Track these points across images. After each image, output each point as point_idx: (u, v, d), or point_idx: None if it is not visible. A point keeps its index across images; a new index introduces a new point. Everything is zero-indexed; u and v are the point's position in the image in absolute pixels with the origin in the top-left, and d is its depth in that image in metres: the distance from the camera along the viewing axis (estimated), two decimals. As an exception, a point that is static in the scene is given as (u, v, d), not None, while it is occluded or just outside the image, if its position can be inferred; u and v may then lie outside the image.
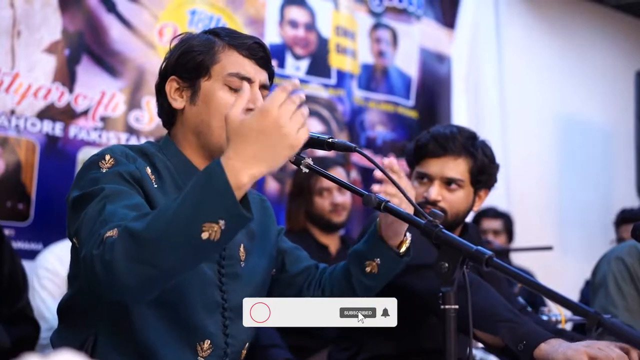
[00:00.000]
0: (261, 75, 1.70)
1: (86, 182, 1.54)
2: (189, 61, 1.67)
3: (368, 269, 1.79)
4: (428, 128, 2.33)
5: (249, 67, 1.68)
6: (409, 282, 2.06)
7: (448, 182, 2.20)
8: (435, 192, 2.18)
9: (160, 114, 1.75)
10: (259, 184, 3.82)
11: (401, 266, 1.83)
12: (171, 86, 1.69)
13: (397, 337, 2.19)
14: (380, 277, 1.80)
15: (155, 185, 1.61)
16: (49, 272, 2.85)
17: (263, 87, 1.71)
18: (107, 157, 1.57)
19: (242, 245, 1.75)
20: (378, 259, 1.79)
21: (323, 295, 1.85)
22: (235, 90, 1.66)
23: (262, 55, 1.70)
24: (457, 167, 2.19)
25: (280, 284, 1.87)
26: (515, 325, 1.82)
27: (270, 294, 1.83)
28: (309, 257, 1.93)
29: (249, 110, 1.64)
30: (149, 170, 1.62)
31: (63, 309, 1.65)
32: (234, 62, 1.67)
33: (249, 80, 1.67)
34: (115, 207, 1.45)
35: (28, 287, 2.59)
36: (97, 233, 1.39)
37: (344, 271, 1.83)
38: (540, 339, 1.75)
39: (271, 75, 1.75)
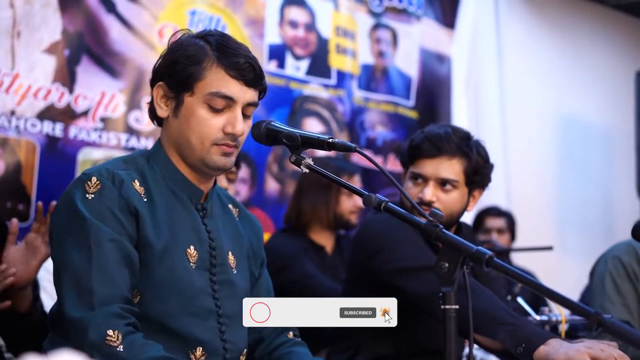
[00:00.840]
0: (247, 94, 1.67)
1: (71, 205, 1.58)
2: (177, 72, 1.66)
3: None
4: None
5: (233, 87, 1.65)
6: (405, 284, 2.05)
7: (443, 183, 2.19)
8: (430, 192, 2.17)
9: (149, 114, 1.76)
10: (259, 184, 3.82)
11: None
12: (158, 92, 1.69)
13: (396, 338, 2.18)
14: None
15: (145, 199, 1.63)
16: (49, 274, 2.84)
17: (250, 104, 1.69)
18: (94, 179, 1.59)
19: (230, 252, 1.75)
20: None
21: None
22: (215, 110, 1.64)
23: (252, 76, 1.66)
24: (451, 168, 2.18)
25: None
26: (515, 328, 1.81)
27: None
28: (263, 285, 1.93)
29: (226, 134, 1.64)
30: (137, 183, 1.63)
31: (54, 318, 1.65)
32: (218, 80, 1.64)
33: (231, 100, 1.65)
34: (104, 263, 1.53)
35: (38, 284, 2.59)
36: (89, 297, 1.50)
37: None
38: (540, 341, 1.74)
39: (262, 91, 1.73)
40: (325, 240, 3.22)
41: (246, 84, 1.66)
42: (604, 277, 2.44)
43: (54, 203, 2.04)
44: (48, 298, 2.81)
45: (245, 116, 1.68)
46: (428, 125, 2.31)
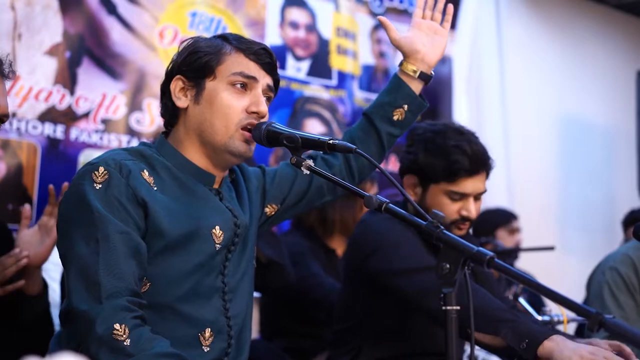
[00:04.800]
0: (265, 79, 1.72)
1: (79, 196, 1.57)
2: (196, 61, 1.69)
3: (396, 117, 1.92)
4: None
5: (253, 69, 1.70)
6: (398, 285, 2.05)
7: (477, 196, 2.21)
8: (474, 209, 2.18)
9: (163, 114, 1.76)
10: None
11: (424, 109, 1.94)
12: (176, 85, 1.71)
13: (396, 340, 2.18)
14: (406, 123, 1.94)
15: (155, 188, 1.62)
16: (58, 267, 2.85)
17: (268, 88, 1.73)
18: (101, 169, 1.58)
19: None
20: (405, 105, 1.92)
21: (351, 176, 1.96)
22: (240, 87, 1.67)
23: (268, 61, 1.73)
24: (484, 180, 2.22)
25: (297, 206, 1.96)
26: (516, 325, 1.81)
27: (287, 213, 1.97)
28: (289, 169, 1.98)
29: (251, 113, 1.66)
30: (146, 173, 1.62)
31: (64, 313, 1.64)
32: (239, 63, 1.69)
33: (254, 79, 1.68)
34: (112, 256, 1.51)
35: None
36: (97, 289, 1.48)
37: (367, 134, 1.92)
38: (543, 337, 1.74)
39: (276, 82, 1.76)
40: (337, 244, 3.22)
41: (263, 67, 1.72)
42: (602, 288, 2.42)
43: (66, 184, 2.05)
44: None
45: None
46: (445, 131, 2.23)
